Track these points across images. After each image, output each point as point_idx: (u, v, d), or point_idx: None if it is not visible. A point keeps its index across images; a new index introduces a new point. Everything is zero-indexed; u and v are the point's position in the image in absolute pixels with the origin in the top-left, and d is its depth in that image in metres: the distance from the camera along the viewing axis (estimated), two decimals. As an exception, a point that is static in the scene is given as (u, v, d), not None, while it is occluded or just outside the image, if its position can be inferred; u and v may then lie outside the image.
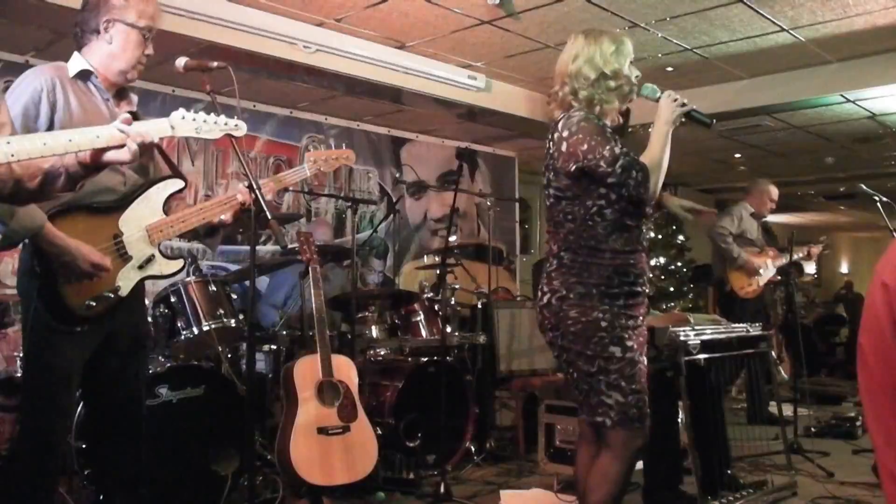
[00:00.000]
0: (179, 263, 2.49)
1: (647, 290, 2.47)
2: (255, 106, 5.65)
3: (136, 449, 2.55)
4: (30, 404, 2.41)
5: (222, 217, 2.57)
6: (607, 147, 2.31)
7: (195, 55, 3.91)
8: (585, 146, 2.32)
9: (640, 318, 2.45)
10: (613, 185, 2.33)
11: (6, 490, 2.47)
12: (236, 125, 2.20)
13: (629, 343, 2.36)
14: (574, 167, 2.35)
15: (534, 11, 4.44)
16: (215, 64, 2.47)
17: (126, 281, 2.37)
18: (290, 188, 5.84)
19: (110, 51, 2.41)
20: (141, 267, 2.40)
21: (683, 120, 2.48)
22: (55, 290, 2.25)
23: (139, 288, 2.55)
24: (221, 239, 2.79)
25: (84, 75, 2.42)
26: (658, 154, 2.39)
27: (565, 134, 2.37)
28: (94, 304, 2.29)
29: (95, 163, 1.99)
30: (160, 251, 2.45)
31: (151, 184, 2.46)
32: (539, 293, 2.48)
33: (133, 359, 2.53)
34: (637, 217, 2.43)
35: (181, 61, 2.49)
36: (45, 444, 2.33)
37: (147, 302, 3.10)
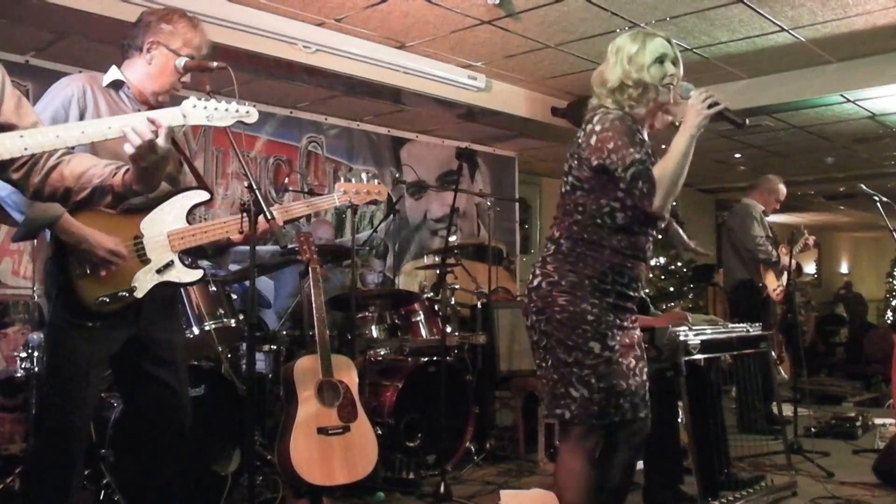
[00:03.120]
0: (199, 273, 2.51)
1: (638, 297, 2.44)
2: (255, 106, 5.63)
3: (173, 463, 2.55)
4: (47, 397, 2.44)
5: (230, 236, 2.59)
6: (630, 150, 2.27)
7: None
8: (612, 144, 2.29)
9: (628, 322, 2.43)
10: (625, 191, 2.32)
11: (27, 485, 2.49)
12: (247, 112, 2.20)
13: (611, 342, 2.33)
14: (596, 162, 2.33)
15: (534, 11, 4.44)
16: (215, 64, 2.47)
17: (143, 283, 2.38)
18: (290, 188, 5.86)
19: (148, 71, 2.47)
20: (159, 271, 2.41)
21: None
22: (70, 284, 2.28)
23: (171, 297, 2.59)
24: (231, 257, 2.80)
25: (116, 85, 2.48)
26: (671, 167, 2.26)
27: (598, 128, 2.34)
28: (107, 300, 2.31)
29: (139, 182, 1.97)
30: (180, 260, 2.46)
31: (176, 192, 2.49)
32: (531, 276, 2.46)
33: (170, 365, 2.54)
34: (645, 226, 2.40)
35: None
36: (60, 440, 2.34)
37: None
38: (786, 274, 5.51)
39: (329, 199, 2.98)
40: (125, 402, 2.77)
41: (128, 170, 1.98)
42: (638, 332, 2.50)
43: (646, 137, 2.41)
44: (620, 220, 2.36)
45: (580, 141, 2.39)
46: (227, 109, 2.13)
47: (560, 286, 2.35)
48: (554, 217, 2.51)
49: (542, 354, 2.41)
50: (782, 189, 5.70)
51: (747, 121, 2.38)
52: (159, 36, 2.45)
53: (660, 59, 2.39)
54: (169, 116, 2.00)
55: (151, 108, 2.56)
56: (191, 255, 2.60)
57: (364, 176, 3.16)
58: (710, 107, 2.26)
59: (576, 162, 2.41)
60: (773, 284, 5.54)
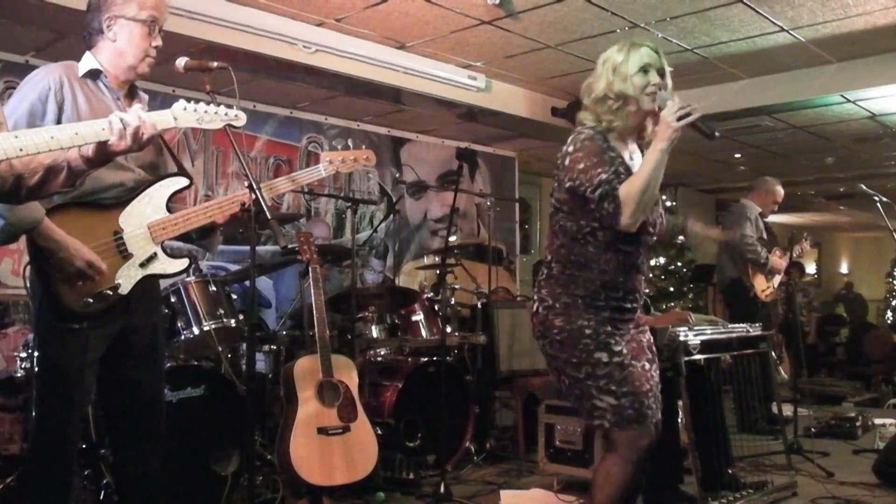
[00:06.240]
0: (184, 263, 2.48)
1: (636, 307, 2.44)
2: (255, 106, 5.65)
3: (154, 454, 2.54)
4: (40, 401, 2.41)
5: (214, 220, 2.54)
6: (598, 170, 2.26)
7: (195, 55, 3.91)
8: (581, 165, 2.30)
9: (631, 328, 2.43)
10: (596, 210, 2.30)
11: (23, 487, 2.47)
12: (236, 115, 2.21)
13: (616, 348, 2.34)
14: (569, 184, 2.34)
15: (534, 11, 4.44)
16: (215, 64, 2.46)
17: (127, 279, 2.36)
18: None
19: (116, 48, 2.41)
20: (143, 265, 2.38)
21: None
22: (52, 288, 2.24)
23: (153, 288, 2.56)
24: (220, 240, 2.78)
25: (93, 74, 2.42)
26: (638, 184, 2.21)
27: (570, 149, 2.36)
28: (91, 301, 2.29)
29: (98, 156, 1.99)
30: (164, 250, 2.44)
31: (154, 181, 2.45)
32: (531, 301, 2.51)
33: (148, 361, 2.52)
34: (632, 243, 2.38)
35: (181, 61, 2.48)
36: (57, 441, 2.32)
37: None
38: (777, 276, 5.54)
39: (315, 171, 2.86)
40: (100, 399, 2.73)
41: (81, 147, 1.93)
42: (647, 335, 2.51)
43: (622, 152, 2.39)
44: (602, 238, 2.35)
45: (558, 163, 2.41)
46: (216, 112, 2.15)
47: (555, 309, 2.38)
48: (547, 236, 2.52)
49: (557, 376, 2.45)
50: (779, 191, 5.72)
51: (717, 133, 2.31)
52: (113, 9, 2.38)
53: (643, 69, 2.36)
54: (160, 120, 2.01)
55: (132, 89, 2.53)
56: (175, 241, 2.56)
57: (349, 143, 3.06)
58: (679, 119, 2.19)
59: (556, 184, 2.43)
60: (763, 285, 5.54)
